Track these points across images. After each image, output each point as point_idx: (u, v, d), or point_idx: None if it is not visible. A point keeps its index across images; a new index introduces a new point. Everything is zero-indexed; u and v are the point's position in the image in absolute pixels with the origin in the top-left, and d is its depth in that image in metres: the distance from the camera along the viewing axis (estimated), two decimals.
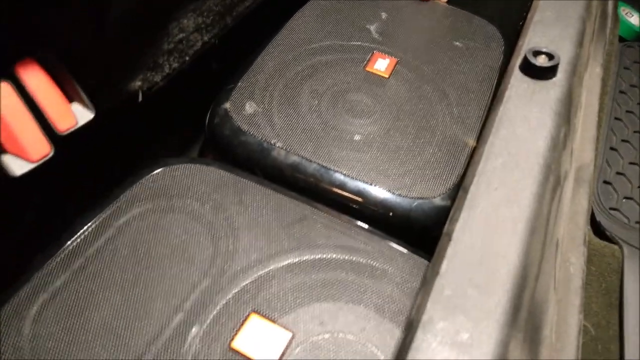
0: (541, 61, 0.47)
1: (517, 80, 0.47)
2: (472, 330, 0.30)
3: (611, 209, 0.77)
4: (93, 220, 0.48)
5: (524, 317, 0.33)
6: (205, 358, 0.40)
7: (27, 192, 0.44)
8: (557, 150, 0.42)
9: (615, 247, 0.64)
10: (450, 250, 0.34)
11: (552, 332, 0.43)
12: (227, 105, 0.60)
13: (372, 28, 0.72)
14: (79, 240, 0.46)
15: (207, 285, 0.45)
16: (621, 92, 1.01)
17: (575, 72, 0.49)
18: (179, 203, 0.50)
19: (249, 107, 0.60)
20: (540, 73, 0.47)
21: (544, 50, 0.48)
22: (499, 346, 0.30)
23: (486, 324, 0.31)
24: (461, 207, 0.37)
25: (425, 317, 0.31)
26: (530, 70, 0.47)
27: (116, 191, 0.50)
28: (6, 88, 0.35)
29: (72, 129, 0.39)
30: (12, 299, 0.42)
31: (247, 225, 0.49)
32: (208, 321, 0.42)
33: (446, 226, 0.38)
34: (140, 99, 0.44)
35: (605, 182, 0.82)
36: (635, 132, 0.94)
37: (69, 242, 0.46)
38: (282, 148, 0.57)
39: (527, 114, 0.44)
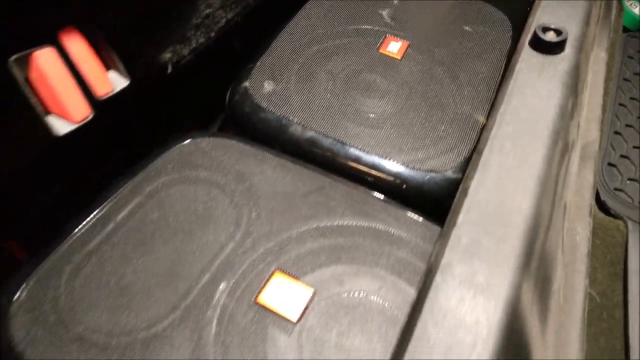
0: (550, 37, 0.49)
1: (527, 55, 0.50)
2: (488, 273, 0.33)
3: (615, 189, 0.79)
4: (124, 187, 0.50)
5: (535, 266, 0.35)
6: (233, 311, 0.43)
7: (63, 157, 0.47)
8: (565, 118, 0.45)
9: (620, 222, 0.66)
10: (466, 204, 0.37)
11: (560, 292, 0.46)
12: (247, 83, 0.62)
13: (385, 13, 0.75)
14: (110, 205, 0.49)
15: (232, 248, 0.47)
16: (625, 79, 1.03)
17: (582, 49, 0.52)
18: (204, 173, 0.53)
19: (268, 86, 0.62)
20: (549, 48, 0.49)
21: (552, 26, 0.50)
22: (513, 288, 0.33)
23: (500, 268, 0.33)
24: (475, 167, 0.40)
25: (444, 262, 0.34)
26: (540, 46, 0.50)
27: (145, 161, 0.52)
28: (51, 53, 0.38)
29: (109, 95, 0.41)
30: (49, 258, 0.45)
31: (268, 194, 0.52)
32: (235, 279, 0.45)
33: (462, 184, 0.40)
34: (169, 70, 0.47)
35: (609, 164, 0.84)
36: (638, 117, 0.96)
37: (100, 208, 0.49)
38: (299, 124, 0.59)
39: (537, 85, 0.47)
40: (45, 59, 0.37)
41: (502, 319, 0.31)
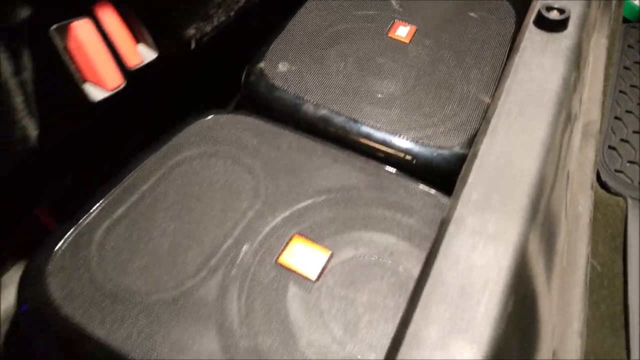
0: (553, 15, 0.52)
1: (532, 33, 0.52)
2: (497, 224, 0.36)
3: (616, 170, 0.82)
4: (149, 159, 0.53)
5: (541, 220, 0.38)
6: (256, 270, 0.45)
7: (93, 128, 0.50)
8: (568, 91, 0.47)
9: (620, 198, 0.69)
10: (476, 165, 0.39)
11: (564, 255, 0.48)
12: (262, 64, 0.65)
13: (393, 0, 0.77)
14: (136, 175, 0.52)
15: (252, 215, 0.50)
16: (625, 68, 1.05)
17: (584, 28, 0.54)
18: (224, 148, 0.55)
19: (282, 67, 0.65)
20: (553, 26, 0.52)
21: (555, 6, 0.53)
22: (520, 237, 0.35)
23: (509, 219, 0.36)
24: (484, 133, 0.42)
25: (456, 215, 0.36)
26: (544, 24, 0.52)
27: (167, 135, 0.55)
28: (88, 24, 0.40)
29: (139, 66, 0.44)
30: (81, 222, 0.47)
31: (285, 167, 0.55)
32: (256, 242, 0.47)
33: (472, 149, 0.43)
34: (192, 46, 0.49)
35: (610, 147, 0.86)
36: (638, 104, 0.99)
37: (127, 177, 0.51)
38: (313, 102, 0.62)
39: (541, 60, 0.49)
40: (82, 30, 0.40)
41: (511, 263, 0.34)
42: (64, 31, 0.39)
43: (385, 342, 0.42)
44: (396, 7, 0.76)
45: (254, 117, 0.60)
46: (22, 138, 0.37)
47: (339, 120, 0.61)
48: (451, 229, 0.36)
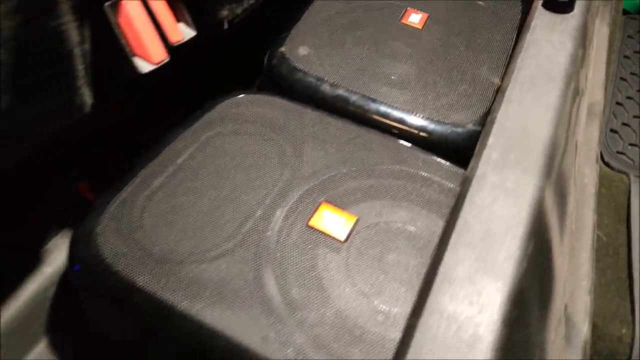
0: None
1: (541, 14, 0.56)
2: (516, 179, 0.39)
3: (618, 152, 0.86)
4: (183, 133, 0.56)
5: (554, 179, 0.42)
6: (288, 232, 0.49)
7: (135, 102, 0.53)
8: (575, 66, 0.51)
9: (623, 175, 0.73)
10: (494, 130, 0.43)
11: (573, 218, 0.52)
12: (283, 49, 0.69)
13: None
14: (172, 148, 0.55)
15: (282, 185, 0.53)
16: (625, 57, 1.09)
17: (589, 10, 0.58)
18: (253, 124, 0.59)
19: (302, 50, 0.69)
20: (561, 7, 0.56)
21: None
22: (537, 191, 0.39)
23: (526, 176, 0.39)
24: (500, 101, 0.46)
25: (478, 173, 0.40)
26: (552, 5, 0.56)
27: (199, 112, 0.59)
28: (136, 2, 0.44)
29: (180, 42, 0.48)
30: (125, 189, 0.51)
31: (310, 142, 0.58)
32: (287, 208, 0.51)
33: (489, 117, 0.46)
34: (225, 27, 0.53)
35: (612, 130, 0.90)
36: (638, 91, 1.02)
37: (165, 150, 0.55)
38: (332, 83, 0.66)
39: (550, 38, 0.53)
40: (132, 7, 0.43)
41: (529, 213, 0.37)
42: (115, 7, 0.42)
43: (410, 296, 0.45)
44: None
45: (278, 97, 0.64)
46: (79, 105, 0.41)
47: (357, 99, 0.65)
48: (474, 184, 0.39)
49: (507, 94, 0.46)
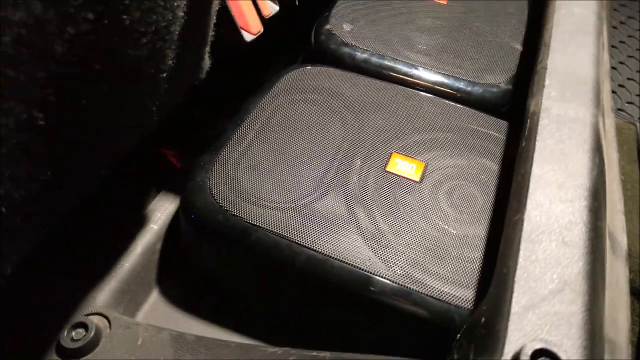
0: None
1: None
2: (575, 110, 0.48)
3: (618, 109, 0.96)
4: (259, 102, 0.63)
5: (601, 110, 0.50)
6: (370, 177, 0.56)
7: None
8: (600, 20, 0.60)
9: (630, 124, 0.82)
10: (548, 74, 0.51)
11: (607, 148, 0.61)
12: (329, 26, 0.76)
13: None
14: (253, 114, 0.62)
15: (352, 139, 0.61)
16: (613, 27, 1.20)
17: None
18: (318, 91, 0.66)
19: (346, 27, 0.76)
20: None
21: None
22: (593, 117, 0.47)
23: (583, 106, 0.48)
24: (547, 53, 0.54)
25: (544, 107, 0.48)
26: None
27: (270, 83, 0.65)
28: None
29: (270, 15, 0.54)
30: (222, 150, 0.57)
31: (370, 104, 0.65)
32: (363, 158, 0.58)
33: (537, 66, 0.55)
34: (296, 3, 0.60)
35: (611, 91, 1.00)
36: (628, 56, 1.13)
37: (246, 117, 0.61)
38: (378, 53, 0.73)
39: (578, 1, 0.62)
40: None
41: (591, 134, 0.46)
42: None
43: (477, 222, 0.53)
44: None
45: (330, 68, 0.71)
46: (201, 69, 0.47)
47: (402, 67, 0.73)
48: (543, 115, 0.47)
49: (551, 46, 0.55)
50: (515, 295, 0.35)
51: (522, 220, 0.40)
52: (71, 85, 0.30)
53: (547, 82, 0.51)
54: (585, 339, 0.33)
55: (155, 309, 0.56)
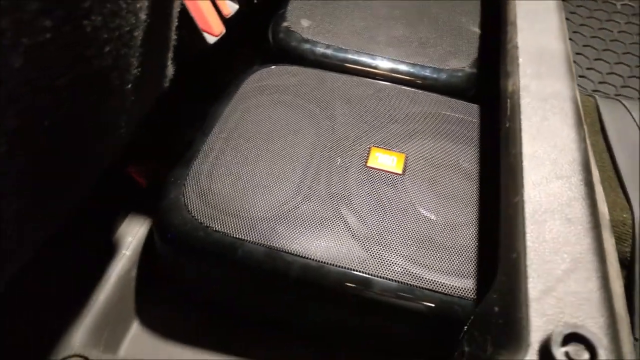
0: None
1: None
2: (552, 85, 0.47)
3: (579, 76, 0.98)
4: (226, 107, 0.60)
5: (575, 84, 0.50)
6: (351, 173, 0.54)
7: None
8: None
9: (589, 97, 0.84)
10: (520, 52, 0.51)
11: None
12: (287, 23, 0.73)
13: None
14: (219, 122, 0.58)
15: (328, 138, 0.58)
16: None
17: None
18: (285, 91, 0.63)
19: (305, 22, 0.74)
20: None
21: None
22: (571, 90, 0.47)
23: (559, 81, 0.48)
24: (514, 32, 0.54)
25: (522, 85, 0.47)
26: None
27: (233, 87, 0.62)
28: None
29: (230, 15, 0.52)
30: (192, 163, 0.54)
31: (341, 99, 0.63)
32: (342, 155, 0.56)
33: (507, 46, 0.54)
34: (255, 1, 0.57)
35: None
36: (574, 32, 1.17)
37: (212, 126, 0.58)
38: (341, 48, 0.71)
39: None
40: None
41: (572, 107, 0.45)
42: None
43: (465, 209, 0.53)
44: None
45: (293, 66, 0.68)
46: (165, 77, 0.44)
47: (366, 59, 0.71)
48: (523, 93, 0.47)
49: (518, 25, 0.55)
50: (530, 280, 0.34)
51: (522, 201, 0.38)
52: (31, 105, 0.26)
53: (520, 60, 0.50)
54: (607, 317, 0.32)
55: (138, 341, 0.52)
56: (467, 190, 0.55)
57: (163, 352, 0.52)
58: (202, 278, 0.52)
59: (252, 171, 0.54)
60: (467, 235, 0.51)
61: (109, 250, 0.53)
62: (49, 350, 0.45)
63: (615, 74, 1.09)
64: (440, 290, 0.46)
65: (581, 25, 1.19)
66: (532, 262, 0.35)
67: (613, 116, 0.81)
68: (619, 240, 0.68)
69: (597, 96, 0.85)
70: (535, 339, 0.31)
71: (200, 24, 0.48)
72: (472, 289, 0.47)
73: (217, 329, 0.55)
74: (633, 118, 0.80)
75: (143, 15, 0.34)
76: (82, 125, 0.31)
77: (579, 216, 0.37)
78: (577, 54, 1.12)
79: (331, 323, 0.51)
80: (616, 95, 1.04)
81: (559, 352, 0.29)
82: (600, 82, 1.07)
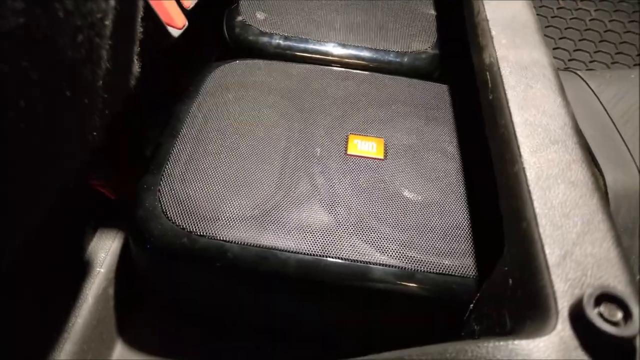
0: None
1: None
2: (529, 53, 0.47)
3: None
4: (192, 107, 0.56)
5: (550, 52, 0.50)
6: (333, 162, 0.52)
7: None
8: None
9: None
10: (491, 24, 0.51)
11: None
12: (241, 17, 0.70)
13: None
14: (187, 123, 0.55)
15: (302, 128, 0.56)
16: None
17: None
18: (251, 86, 0.61)
19: (260, 15, 0.71)
20: None
21: None
22: (548, 57, 0.47)
23: (536, 49, 0.48)
24: (482, 4, 0.54)
25: (499, 55, 0.47)
26: None
27: (198, 83, 0.59)
28: None
29: (191, 7, 0.48)
30: (164, 168, 0.50)
31: (306, 90, 0.61)
32: (321, 145, 0.54)
33: (476, 19, 0.54)
34: None
35: None
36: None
37: (180, 126, 0.55)
38: (302, 38, 0.69)
39: None
40: None
41: (551, 71, 0.45)
42: None
43: (455, 189, 0.52)
44: None
45: (255, 60, 0.66)
46: (131, 74, 0.40)
47: (329, 48, 0.69)
48: (502, 64, 0.46)
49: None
50: (547, 246, 0.33)
51: (522, 169, 0.38)
52: None
53: (493, 32, 0.50)
54: (628, 274, 0.32)
55: None
56: (450, 169, 0.55)
57: None
58: (188, 288, 0.49)
59: (229, 170, 0.51)
60: (457, 214, 0.50)
61: (82, 269, 0.49)
62: None
63: (561, 48, 1.13)
64: (442, 271, 0.45)
65: None
66: (544, 229, 0.34)
67: (571, 88, 0.83)
68: None
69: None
70: (563, 304, 0.30)
71: (163, 17, 0.44)
72: (472, 266, 0.46)
73: (206, 342, 0.51)
74: (590, 87, 0.82)
75: (112, 1, 0.30)
76: (51, 128, 0.27)
77: (581, 178, 0.37)
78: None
79: (332, 321, 0.49)
80: (565, 68, 1.08)
81: (593, 313, 0.28)
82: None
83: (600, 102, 0.79)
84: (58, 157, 0.32)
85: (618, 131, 0.73)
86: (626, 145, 0.72)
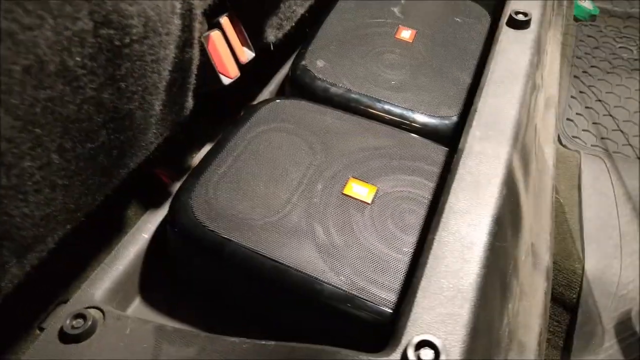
0: (520, 17, 0.75)
1: (505, 31, 0.75)
2: (493, 148, 0.57)
3: (573, 136, 1.06)
4: (237, 132, 0.73)
5: (519, 147, 0.60)
6: (329, 199, 0.66)
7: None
8: (533, 68, 0.70)
9: (575, 152, 0.92)
10: (476, 116, 0.61)
11: (536, 184, 0.71)
12: (304, 62, 0.86)
13: (396, 10, 1.00)
14: (229, 145, 0.72)
15: (316, 167, 0.71)
16: (577, 57, 1.30)
17: (542, 25, 0.77)
18: (289, 122, 0.76)
19: (320, 63, 0.86)
20: (520, 25, 0.75)
21: (521, 10, 0.75)
22: (508, 155, 0.57)
23: (500, 145, 0.58)
24: (480, 95, 0.64)
25: (467, 145, 0.58)
26: (513, 24, 0.75)
27: (246, 115, 0.76)
28: (219, 34, 0.61)
29: (247, 61, 0.65)
30: (202, 175, 0.67)
31: (334, 134, 0.75)
32: (325, 182, 0.68)
33: (472, 107, 0.65)
34: (272, 48, 0.70)
35: (568, 119, 1.10)
36: (588, 86, 1.23)
37: (225, 144, 0.72)
38: (347, 88, 0.83)
39: (513, 48, 0.72)
40: (217, 38, 0.60)
41: (503, 170, 0.56)
42: (207, 38, 0.60)
43: (417, 240, 0.63)
44: (399, 15, 0.99)
45: (305, 101, 0.81)
46: (185, 109, 0.58)
47: (367, 100, 0.83)
48: (465, 152, 0.57)
49: (483, 90, 0.65)
50: (417, 299, 0.45)
51: (433, 239, 0.49)
52: (79, 133, 0.40)
53: (474, 123, 0.61)
54: (465, 334, 0.42)
55: (142, 306, 0.66)
56: (419, 223, 0.66)
57: (160, 318, 0.66)
58: (196, 267, 0.66)
59: (250, 186, 0.67)
60: (406, 261, 0.61)
61: (134, 232, 0.68)
62: (76, 300, 0.59)
63: (622, 131, 1.15)
64: (376, 302, 0.58)
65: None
66: (423, 287, 0.46)
67: (592, 173, 0.88)
68: (568, 287, 0.76)
69: (582, 152, 0.93)
70: (404, 342, 0.42)
71: (218, 68, 0.61)
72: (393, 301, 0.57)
73: (203, 309, 0.68)
74: (610, 176, 0.87)
75: (166, 73, 0.47)
76: (115, 146, 0.45)
77: (475, 258, 0.48)
78: (587, 107, 1.19)
79: (287, 317, 0.64)
80: (615, 152, 1.11)
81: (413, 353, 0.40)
82: (603, 138, 1.13)
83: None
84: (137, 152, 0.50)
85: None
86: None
